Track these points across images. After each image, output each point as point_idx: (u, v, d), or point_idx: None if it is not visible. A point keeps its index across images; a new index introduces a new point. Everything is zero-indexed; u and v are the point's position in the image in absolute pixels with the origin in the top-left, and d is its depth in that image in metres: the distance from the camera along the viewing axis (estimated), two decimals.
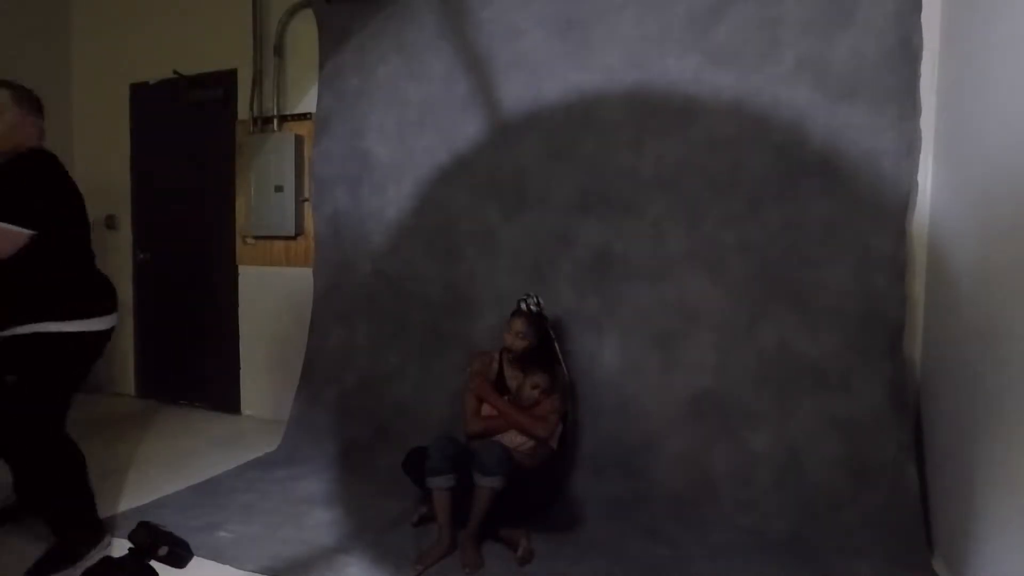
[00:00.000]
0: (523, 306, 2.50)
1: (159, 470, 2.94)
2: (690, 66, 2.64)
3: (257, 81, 3.67)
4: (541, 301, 2.54)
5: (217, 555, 2.15)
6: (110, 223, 4.25)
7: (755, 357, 2.54)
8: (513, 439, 2.38)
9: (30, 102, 2.02)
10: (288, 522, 2.42)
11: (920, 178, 2.38)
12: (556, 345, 2.59)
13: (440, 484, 2.20)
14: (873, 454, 2.33)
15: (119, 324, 2.20)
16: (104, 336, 2.13)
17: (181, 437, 3.45)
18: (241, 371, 3.89)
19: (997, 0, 1.88)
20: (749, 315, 2.56)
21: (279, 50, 3.64)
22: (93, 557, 2.00)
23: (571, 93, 2.84)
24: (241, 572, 2.06)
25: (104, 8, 4.21)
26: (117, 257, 4.24)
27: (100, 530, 2.16)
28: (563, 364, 2.58)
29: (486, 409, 2.47)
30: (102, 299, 2.13)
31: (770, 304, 2.53)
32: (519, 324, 2.47)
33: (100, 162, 4.22)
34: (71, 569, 1.97)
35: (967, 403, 1.97)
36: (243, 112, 3.75)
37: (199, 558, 2.10)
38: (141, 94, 4.14)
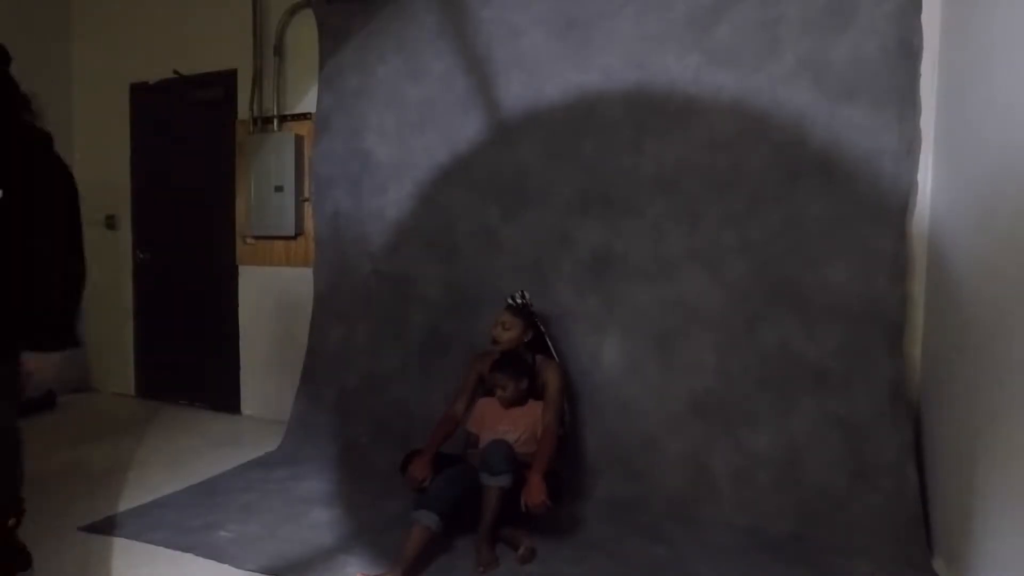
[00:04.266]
0: (509, 300, 2.59)
1: (159, 470, 2.94)
2: (690, 66, 2.64)
3: (257, 81, 3.67)
4: (527, 295, 2.60)
5: (217, 555, 2.15)
6: (110, 223, 4.25)
7: (755, 357, 2.54)
8: (510, 433, 2.39)
9: None
10: (288, 522, 2.42)
11: (920, 178, 2.38)
12: (548, 339, 2.61)
13: (422, 520, 2.03)
14: (873, 454, 2.33)
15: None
16: None
17: (181, 437, 3.45)
18: (241, 371, 3.89)
19: (997, 0, 1.88)
20: (749, 315, 2.55)
21: (279, 50, 3.64)
22: None
23: (571, 93, 2.84)
24: (241, 572, 2.06)
25: (104, 8, 4.21)
26: (117, 257, 4.25)
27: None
28: (555, 356, 2.59)
29: (485, 414, 2.48)
30: None
31: (770, 304, 2.53)
32: (503, 315, 2.55)
33: (100, 162, 4.21)
34: None
35: (967, 403, 1.97)
36: (243, 112, 3.75)
37: (199, 558, 2.13)
38: (141, 94, 4.14)
